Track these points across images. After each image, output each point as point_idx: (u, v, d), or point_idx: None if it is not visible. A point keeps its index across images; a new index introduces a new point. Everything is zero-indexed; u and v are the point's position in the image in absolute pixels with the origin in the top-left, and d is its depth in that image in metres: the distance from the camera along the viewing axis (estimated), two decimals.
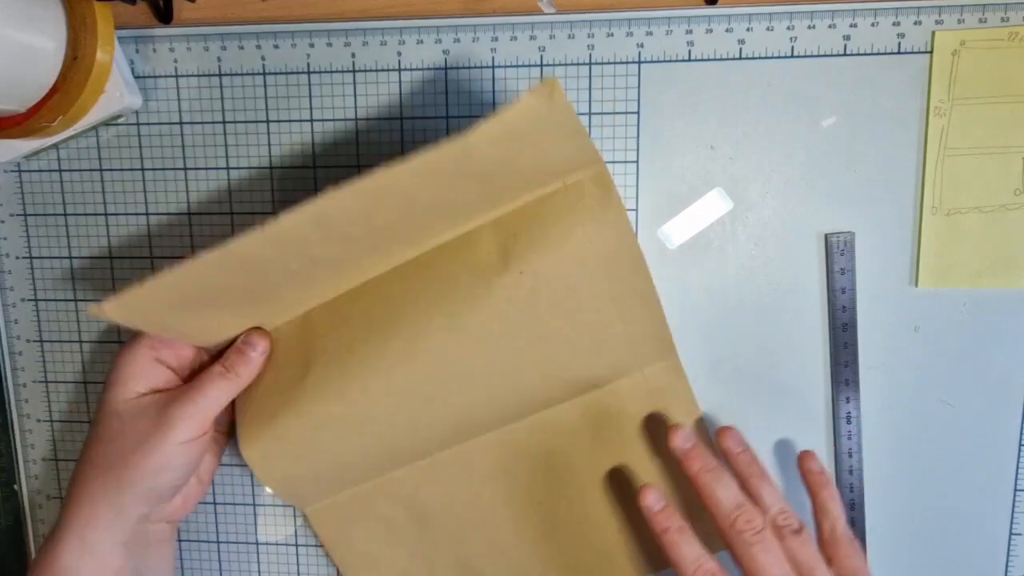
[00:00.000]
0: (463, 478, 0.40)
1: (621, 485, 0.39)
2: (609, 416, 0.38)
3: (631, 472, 0.39)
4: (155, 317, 0.35)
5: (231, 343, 0.38)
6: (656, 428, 0.39)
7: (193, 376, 0.37)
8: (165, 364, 0.37)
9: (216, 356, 0.38)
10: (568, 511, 0.40)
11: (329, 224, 0.32)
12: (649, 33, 0.37)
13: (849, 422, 0.39)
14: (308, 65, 0.39)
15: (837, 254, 0.38)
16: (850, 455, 0.39)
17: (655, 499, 0.35)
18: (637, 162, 0.38)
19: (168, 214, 0.41)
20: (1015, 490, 0.39)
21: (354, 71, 0.39)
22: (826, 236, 0.38)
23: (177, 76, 0.40)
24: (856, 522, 0.39)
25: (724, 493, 0.33)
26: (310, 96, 0.39)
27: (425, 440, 0.38)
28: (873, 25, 0.36)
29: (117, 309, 0.32)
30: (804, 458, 0.37)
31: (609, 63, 0.38)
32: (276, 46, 0.39)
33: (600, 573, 0.41)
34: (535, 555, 0.41)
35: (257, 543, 0.44)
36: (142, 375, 0.36)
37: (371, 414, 0.36)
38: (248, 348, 0.37)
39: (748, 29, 0.37)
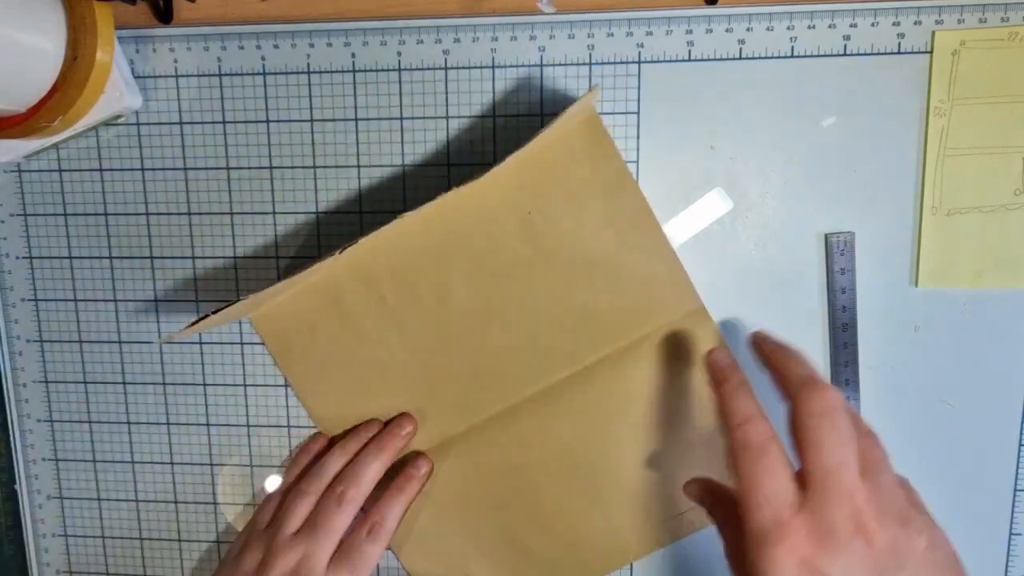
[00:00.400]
0: (503, 443, 0.40)
1: (649, 440, 0.39)
2: (639, 370, 0.39)
3: (665, 426, 0.39)
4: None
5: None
6: (684, 376, 0.39)
7: None
8: None
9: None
10: (605, 473, 0.40)
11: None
12: (649, 33, 0.37)
13: None
14: (308, 65, 0.39)
15: (837, 254, 0.38)
16: None
17: (723, 355, 0.34)
18: (637, 162, 0.38)
19: (168, 214, 0.41)
20: (1015, 490, 0.39)
21: (354, 71, 0.39)
22: (826, 236, 0.38)
23: (177, 76, 0.40)
24: None
25: (796, 368, 0.31)
26: (310, 96, 0.39)
27: (463, 398, 0.40)
28: (873, 25, 0.36)
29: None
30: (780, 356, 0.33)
31: (609, 63, 0.38)
32: (276, 46, 0.39)
33: (640, 531, 0.40)
34: (580, 524, 0.40)
35: None
36: None
37: (408, 359, 0.40)
38: (418, 465, 0.40)
39: (748, 29, 0.37)
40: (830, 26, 0.36)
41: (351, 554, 0.37)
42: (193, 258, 0.42)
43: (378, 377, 0.40)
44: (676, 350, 0.38)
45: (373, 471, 0.39)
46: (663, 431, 0.39)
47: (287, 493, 0.39)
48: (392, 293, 0.39)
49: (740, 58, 0.37)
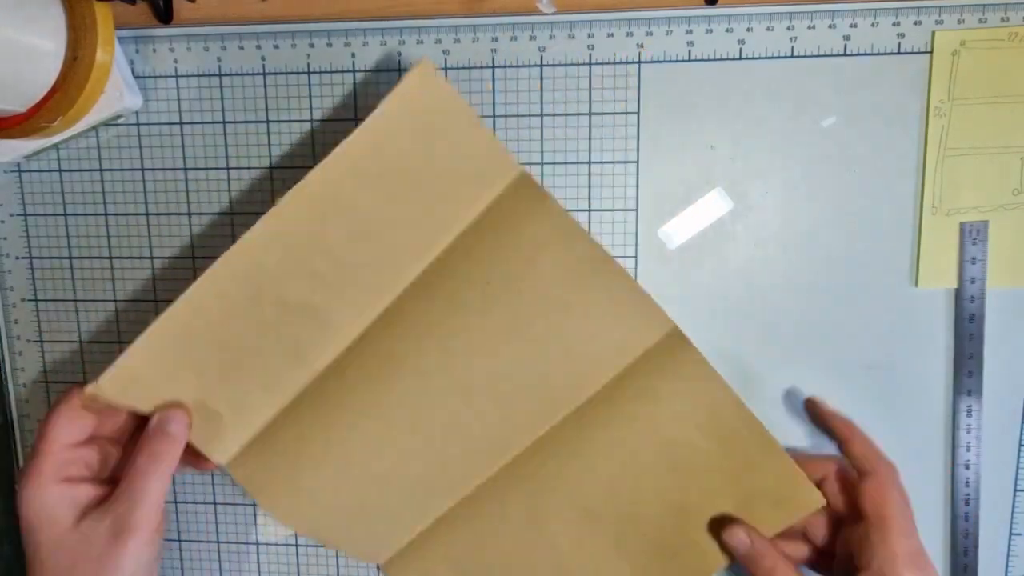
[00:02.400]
0: (506, 504, 0.39)
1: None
2: (637, 406, 0.37)
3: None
4: (149, 393, 0.36)
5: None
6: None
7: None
8: (79, 478, 0.35)
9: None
10: (626, 518, 0.38)
11: (287, 245, 0.35)
12: (649, 33, 0.37)
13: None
14: (308, 65, 0.39)
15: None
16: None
17: (741, 539, 0.36)
18: (637, 162, 0.38)
19: (168, 214, 0.41)
20: (1015, 490, 0.39)
21: (354, 71, 0.39)
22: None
23: (177, 76, 0.40)
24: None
25: None
26: (310, 96, 0.39)
27: (457, 472, 0.39)
28: (873, 25, 0.36)
29: (111, 387, 0.34)
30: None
31: (609, 63, 0.38)
32: (276, 46, 0.39)
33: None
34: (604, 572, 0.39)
35: (257, 543, 0.44)
36: (69, 504, 0.34)
37: (389, 451, 0.38)
38: (167, 423, 0.36)
39: (748, 29, 0.37)
40: (830, 26, 0.36)
41: None
42: (193, 258, 0.42)
43: (370, 488, 0.39)
44: (665, 388, 0.37)
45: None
46: (673, 470, 0.37)
47: None
48: (370, 407, 0.38)
49: (740, 58, 0.37)
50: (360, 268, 0.36)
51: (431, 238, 0.36)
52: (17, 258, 0.43)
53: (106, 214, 0.42)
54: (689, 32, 0.37)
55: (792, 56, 0.37)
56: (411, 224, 0.36)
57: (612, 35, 0.37)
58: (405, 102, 0.33)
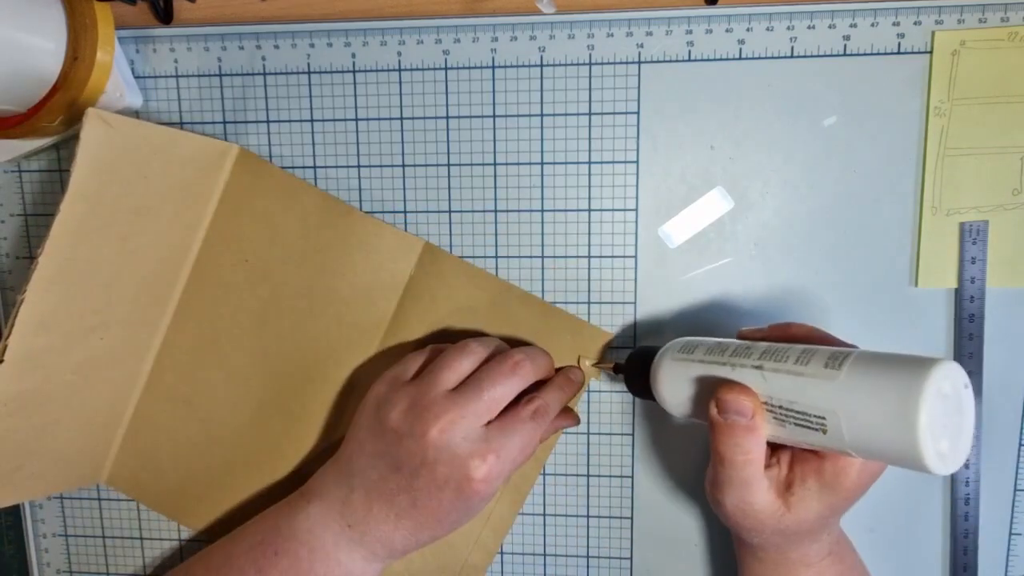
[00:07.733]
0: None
1: None
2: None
3: None
4: None
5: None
6: None
7: None
8: None
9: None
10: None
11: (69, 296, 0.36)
12: (649, 33, 0.37)
13: None
14: (308, 65, 0.39)
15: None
16: None
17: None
18: (637, 162, 0.38)
19: None
20: (1015, 490, 0.39)
21: (354, 71, 0.39)
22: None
23: (177, 76, 0.40)
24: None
25: None
26: (310, 96, 0.39)
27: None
28: (873, 25, 0.36)
29: None
30: None
31: (609, 63, 0.38)
32: (276, 46, 0.39)
33: None
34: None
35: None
36: None
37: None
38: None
39: (748, 29, 0.37)
40: (830, 26, 0.36)
41: (510, 428, 0.32)
42: None
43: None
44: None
45: (549, 359, 0.36)
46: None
47: (441, 351, 0.35)
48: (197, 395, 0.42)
49: (740, 58, 0.37)
50: (136, 289, 0.39)
51: (187, 241, 0.40)
52: (17, 258, 0.43)
53: None
54: (689, 32, 0.37)
55: (792, 56, 0.37)
56: (165, 236, 0.38)
57: (612, 35, 0.37)
58: (98, 149, 0.33)
